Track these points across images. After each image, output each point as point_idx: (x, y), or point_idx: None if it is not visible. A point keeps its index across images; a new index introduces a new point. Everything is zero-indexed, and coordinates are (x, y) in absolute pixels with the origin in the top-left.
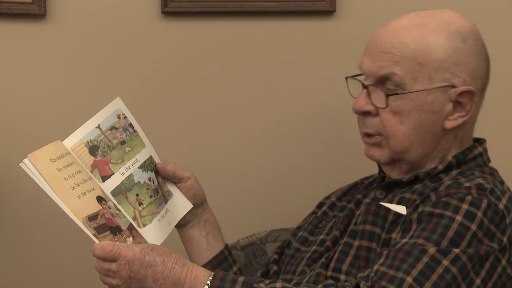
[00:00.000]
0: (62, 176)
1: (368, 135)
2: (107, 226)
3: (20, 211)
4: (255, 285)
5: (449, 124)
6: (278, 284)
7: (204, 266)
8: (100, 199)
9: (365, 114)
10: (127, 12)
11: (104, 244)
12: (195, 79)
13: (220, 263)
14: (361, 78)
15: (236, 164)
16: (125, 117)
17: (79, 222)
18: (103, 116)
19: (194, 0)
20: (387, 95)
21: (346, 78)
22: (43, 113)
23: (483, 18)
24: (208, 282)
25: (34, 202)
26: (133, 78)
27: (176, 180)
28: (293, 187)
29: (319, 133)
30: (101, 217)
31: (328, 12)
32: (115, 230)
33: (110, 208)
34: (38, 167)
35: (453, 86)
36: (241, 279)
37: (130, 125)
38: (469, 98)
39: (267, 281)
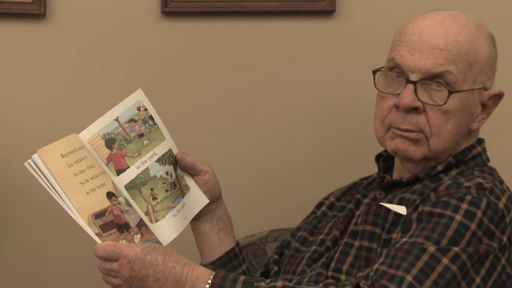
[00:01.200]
0: (71, 172)
1: (408, 130)
2: (114, 224)
3: (20, 211)
4: (256, 284)
5: (475, 125)
6: (279, 283)
7: (214, 262)
8: (110, 195)
9: (410, 110)
10: (127, 12)
11: (106, 244)
12: (195, 79)
13: (230, 260)
14: (395, 71)
15: (235, 165)
16: (146, 109)
17: (82, 222)
18: (123, 108)
19: (194, 0)
20: (450, 93)
21: (375, 71)
22: (43, 113)
23: (483, 18)
24: (209, 281)
25: (34, 202)
26: (133, 78)
27: (194, 173)
28: (293, 187)
29: (319, 133)
30: (109, 214)
31: (328, 12)
32: (123, 228)
33: (120, 204)
34: (47, 162)
35: (485, 89)
36: (242, 278)
37: (151, 117)
38: (493, 101)
39: (267, 280)
